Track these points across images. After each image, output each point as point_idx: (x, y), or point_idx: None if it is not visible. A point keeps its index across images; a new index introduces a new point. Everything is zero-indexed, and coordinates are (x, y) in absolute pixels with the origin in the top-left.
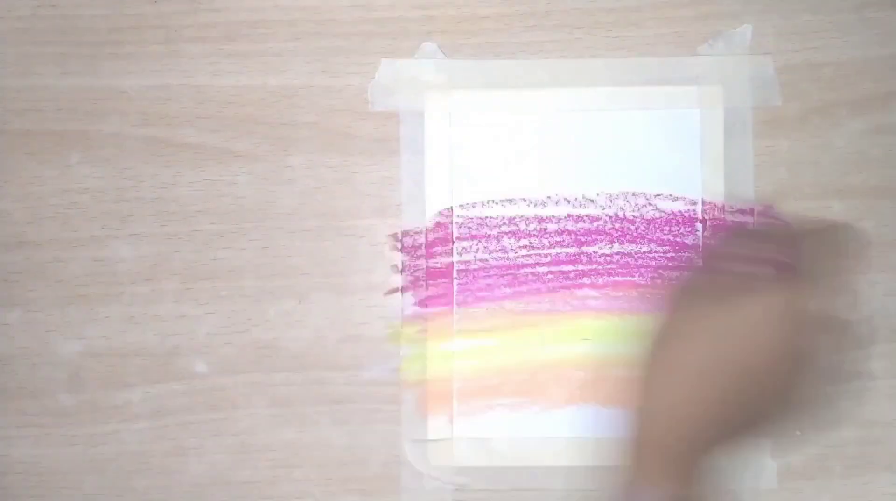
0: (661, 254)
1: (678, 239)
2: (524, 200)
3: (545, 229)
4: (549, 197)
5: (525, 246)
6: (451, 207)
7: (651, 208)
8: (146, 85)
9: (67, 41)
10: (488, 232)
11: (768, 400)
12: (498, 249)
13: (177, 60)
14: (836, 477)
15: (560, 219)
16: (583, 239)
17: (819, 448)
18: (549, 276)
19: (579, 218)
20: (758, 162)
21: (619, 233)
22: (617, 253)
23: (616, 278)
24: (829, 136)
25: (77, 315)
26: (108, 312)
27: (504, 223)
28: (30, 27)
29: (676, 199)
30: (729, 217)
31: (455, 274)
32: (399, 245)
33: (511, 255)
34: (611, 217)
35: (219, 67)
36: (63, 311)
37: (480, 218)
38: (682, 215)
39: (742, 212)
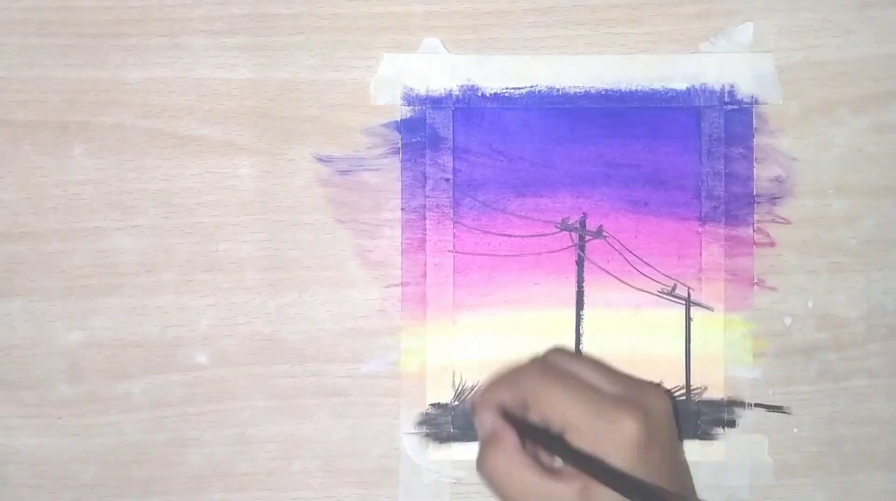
0: (661, 251)
1: (677, 238)
2: (526, 194)
3: (548, 223)
4: (550, 192)
5: (528, 240)
6: (453, 200)
7: (650, 205)
8: (149, 77)
9: (70, 33)
10: (490, 225)
11: None
12: (499, 242)
13: (180, 53)
14: (833, 475)
15: (562, 214)
16: (585, 235)
17: (816, 445)
18: (552, 269)
19: (581, 214)
20: (758, 160)
21: (620, 229)
22: (619, 249)
23: (617, 274)
24: (829, 134)
25: (78, 306)
26: (109, 303)
27: (506, 217)
28: (32, 18)
29: (676, 197)
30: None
31: (455, 267)
32: (401, 238)
33: (513, 249)
34: (611, 213)
35: (222, 60)
36: (64, 301)
37: (482, 211)
38: (682, 213)
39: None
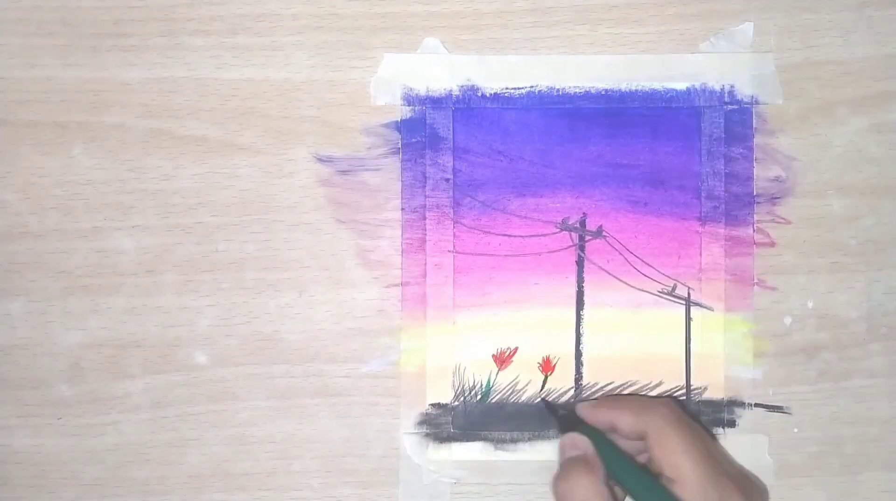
0: (661, 251)
1: (677, 238)
2: (526, 194)
3: (548, 223)
4: (550, 192)
5: (528, 240)
6: (453, 200)
7: (650, 205)
8: (149, 77)
9: (70, 33)
10: (490, 225)
11: None
12: (499, 242)
13: (180, 53)
14: (833, 475)
15: (562, 214)
16: (585, 235)
17: (816, 445)
18: (552, 269)
19: (581, 214)
20: (758, 160)
21: (620, 229)
22: (619, 249)
23: (617, 274)
24: (829, 134)
25: (78, 306)
26: (110, 303)
27: (506, 217)
28: (33, 18)
29: (676, 197)
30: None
31: (455, 267)
32: (401, 238)
33: (513, 249)
34: (612, 213)
35: (222, 60)
36: (64, 302)
37: (482, 211)
38: (682, 213)
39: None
